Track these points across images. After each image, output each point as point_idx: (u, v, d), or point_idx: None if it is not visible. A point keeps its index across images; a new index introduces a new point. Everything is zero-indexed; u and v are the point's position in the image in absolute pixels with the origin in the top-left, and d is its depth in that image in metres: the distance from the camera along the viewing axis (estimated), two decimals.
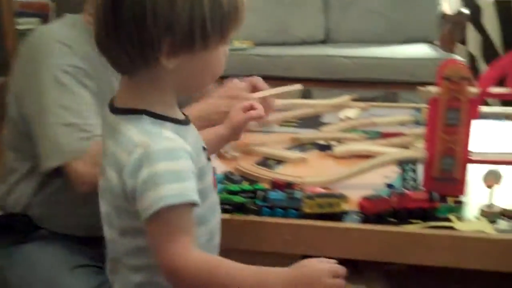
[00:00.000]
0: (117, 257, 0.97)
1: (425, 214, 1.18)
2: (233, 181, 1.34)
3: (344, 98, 1.91)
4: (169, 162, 0.86)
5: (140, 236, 0.91)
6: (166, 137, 0.88)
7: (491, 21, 3.19)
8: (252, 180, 1.36)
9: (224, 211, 1.21)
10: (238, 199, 1.21)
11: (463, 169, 1.27)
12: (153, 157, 0.85)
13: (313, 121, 1.81)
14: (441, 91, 1.22)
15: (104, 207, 0.97)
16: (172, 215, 0.85)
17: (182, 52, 0.89)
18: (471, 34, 3.26)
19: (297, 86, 1.65)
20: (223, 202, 1.20)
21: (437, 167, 1.27)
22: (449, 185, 1.28)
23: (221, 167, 1.43)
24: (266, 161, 1.49)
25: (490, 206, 1.21)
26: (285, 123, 1.81)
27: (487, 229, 1.15)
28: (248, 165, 1.43)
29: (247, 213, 1.21)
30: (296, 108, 1.84)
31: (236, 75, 1.74)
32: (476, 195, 1.27)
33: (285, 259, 1.19)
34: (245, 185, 1.28)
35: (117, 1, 0.86)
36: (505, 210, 1.20)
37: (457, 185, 1.28)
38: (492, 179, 1.19)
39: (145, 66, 0.89)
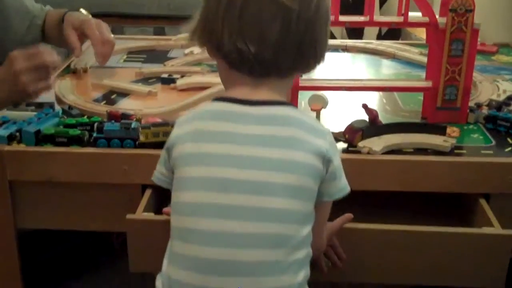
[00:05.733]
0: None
1: None
2: (72, 115, 1.33)
3: None
4: None
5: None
6: None
7: None
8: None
9: (60, 144, 1.21)
10: (74, 132, 1.21)
11: (295, 95, 1.33)
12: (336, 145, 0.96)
13: (159, 56, 1.82)
14: None
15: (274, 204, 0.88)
16: None
17: None
18: None
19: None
20: (58, 136, 1.21)
21: None
22: None
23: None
24: (111, 95, 1.51)
25: None
26: (131, 57, 1.82)
27: None
28: (83, 102, 1.43)
29: (83, 145, 1.21)
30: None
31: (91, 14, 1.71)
32: None
33: (125, 188, 1.22)
34: (83, 119, 1.28)
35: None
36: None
37: None
38: (317, 103, 1.26)
39: (305, 70, 0.97)
